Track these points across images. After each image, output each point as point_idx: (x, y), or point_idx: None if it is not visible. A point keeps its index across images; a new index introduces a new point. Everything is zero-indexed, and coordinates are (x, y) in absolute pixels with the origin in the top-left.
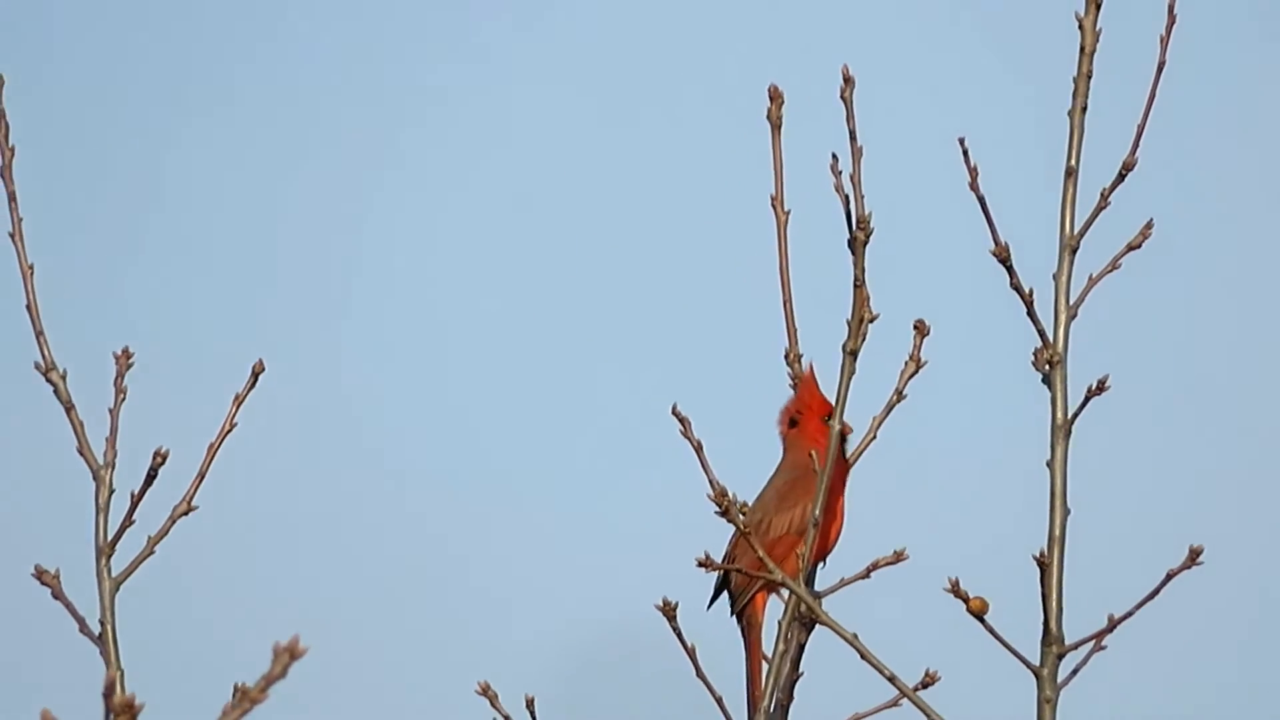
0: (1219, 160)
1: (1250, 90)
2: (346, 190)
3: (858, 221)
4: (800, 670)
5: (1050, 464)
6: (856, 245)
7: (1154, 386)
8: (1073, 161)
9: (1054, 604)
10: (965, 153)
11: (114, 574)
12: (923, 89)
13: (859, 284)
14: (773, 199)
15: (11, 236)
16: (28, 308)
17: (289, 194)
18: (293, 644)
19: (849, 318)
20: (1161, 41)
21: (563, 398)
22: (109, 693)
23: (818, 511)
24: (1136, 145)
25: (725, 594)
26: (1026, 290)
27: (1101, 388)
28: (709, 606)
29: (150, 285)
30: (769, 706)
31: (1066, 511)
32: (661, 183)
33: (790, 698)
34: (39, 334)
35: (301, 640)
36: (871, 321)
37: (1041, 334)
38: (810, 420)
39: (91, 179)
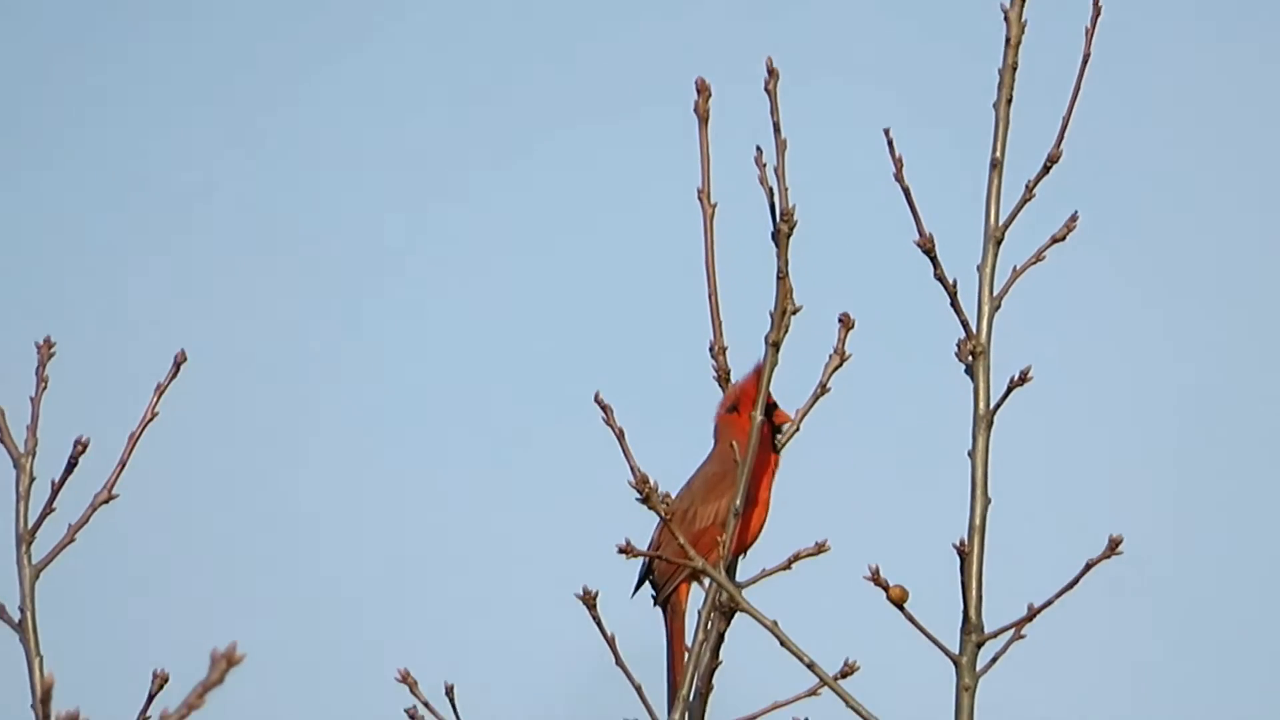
0: (1145, 153)
1: (1177, 82)
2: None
3: (782, 214)
4: (720, 659)
5: (972, 454)
6: (780, 238)
7: (1076, 378)
8: (998, 153)
9: (974, 593)
10: (890, 144)
11: (34, 561)
12: (848, 81)
13: (782, 276)
14: (700, 192)
15: None
16: None
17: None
18: (230, 651)
19: (772, 309)
20: (1087, 33)
21: (484, 382)
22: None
23: (739, 502)
24: (1061, 137)
25: (649, 584)
26: (950, 281)
27: (1024, 379)
28: (633, 594)
29: (73, 275)
30: (689, 695)
31: (987, 501)
32: (591, 174)
33: (710, 686)
34: None
35: (239, 648)
36: (795, 313)
37: (965, 325)
38: (747, 410)
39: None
